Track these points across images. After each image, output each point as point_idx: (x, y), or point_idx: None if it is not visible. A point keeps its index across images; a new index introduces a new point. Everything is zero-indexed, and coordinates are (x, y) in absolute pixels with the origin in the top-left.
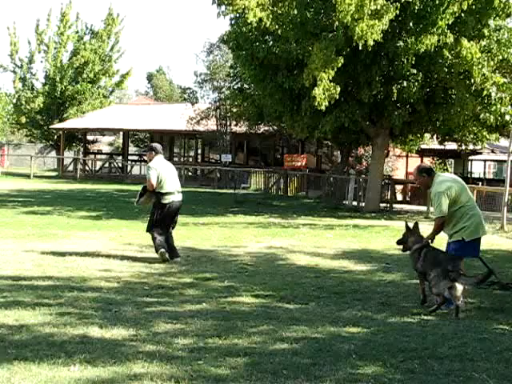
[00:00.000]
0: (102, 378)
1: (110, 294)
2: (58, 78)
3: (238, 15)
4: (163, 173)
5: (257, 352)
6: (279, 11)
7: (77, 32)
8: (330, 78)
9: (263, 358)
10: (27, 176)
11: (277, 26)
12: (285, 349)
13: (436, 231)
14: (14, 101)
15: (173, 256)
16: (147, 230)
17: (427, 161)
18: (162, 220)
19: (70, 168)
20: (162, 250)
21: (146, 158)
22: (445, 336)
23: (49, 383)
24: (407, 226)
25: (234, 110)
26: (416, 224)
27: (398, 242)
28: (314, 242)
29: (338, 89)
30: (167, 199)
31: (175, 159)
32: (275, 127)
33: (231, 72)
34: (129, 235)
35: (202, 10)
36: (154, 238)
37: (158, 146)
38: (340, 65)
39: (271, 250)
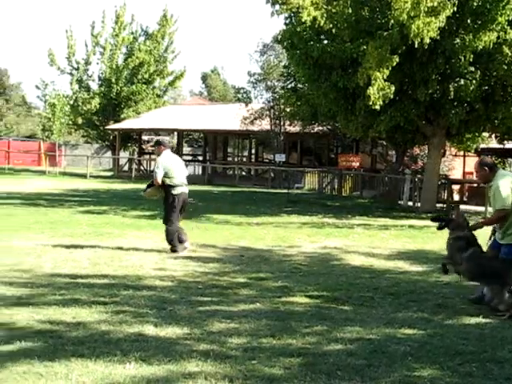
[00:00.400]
0: (157, 376)
1: (165, 292)
2: (113, 79)
3: (292, 14)
4: (172, 167)
5: (311, 352)
6: (333, 10)
7: (132, 33)
8: (385, 77)
9: (317, 359)
10: (83, 176)
11: (331, 25)
12: (339, 349)
13: (491, 222)
14: (71, 102)
15: (182, 240)
16: (164, 222)
17: None
18: (174, 211)
19: (125, 168)
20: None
21: (154, 152)
22: (504, 339)
23: (105, 380)
24: (458, 212)
25: (288, 109)
26: (464, 217)
27: (433, 219)
28: (369, 243)
29: (393, 88)
30: (176, 190)
31: (229, 159)
32: (329, 127)
33: (285, 72)
34: None
35: (255, 9)
36: (168, 231)
37: (165, 139)
38: (395, 63)
39: (325, 250)
